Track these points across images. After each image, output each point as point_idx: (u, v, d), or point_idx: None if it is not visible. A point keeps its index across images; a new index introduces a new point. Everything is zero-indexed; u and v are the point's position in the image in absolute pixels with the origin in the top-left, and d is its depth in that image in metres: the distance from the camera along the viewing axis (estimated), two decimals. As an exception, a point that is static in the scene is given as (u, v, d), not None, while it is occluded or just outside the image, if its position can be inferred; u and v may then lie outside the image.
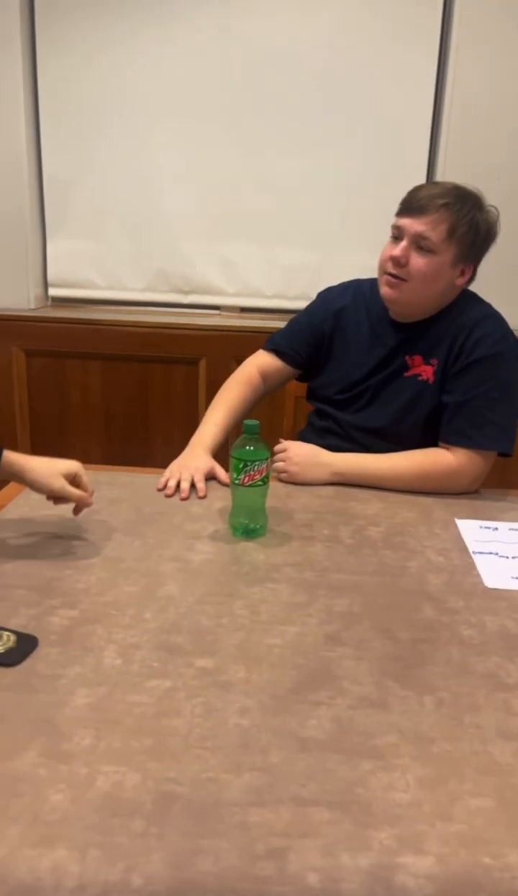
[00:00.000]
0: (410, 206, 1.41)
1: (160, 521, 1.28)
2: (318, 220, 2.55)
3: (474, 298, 1.53)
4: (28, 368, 2.61)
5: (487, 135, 2.39)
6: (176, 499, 1.38)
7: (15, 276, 2.61)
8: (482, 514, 1.35)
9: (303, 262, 2.59)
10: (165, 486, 1.41)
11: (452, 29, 2.33)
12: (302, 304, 2.61)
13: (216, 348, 2.55)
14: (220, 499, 1.37)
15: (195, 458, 1.48)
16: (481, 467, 1.44)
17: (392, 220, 1.45)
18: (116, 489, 1.41)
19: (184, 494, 1.38)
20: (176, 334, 2.56)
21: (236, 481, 1.19)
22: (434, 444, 1.48)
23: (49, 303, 2.74)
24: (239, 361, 2.65)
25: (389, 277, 1.44)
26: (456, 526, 1.29)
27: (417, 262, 1.40)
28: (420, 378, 1.49)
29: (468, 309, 1.49)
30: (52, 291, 2.71)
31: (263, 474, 1.20)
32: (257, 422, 1.19)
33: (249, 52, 2.42)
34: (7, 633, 0.91)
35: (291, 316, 2.61)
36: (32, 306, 2.64)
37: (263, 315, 2.65)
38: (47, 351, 2.60)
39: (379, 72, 2.41)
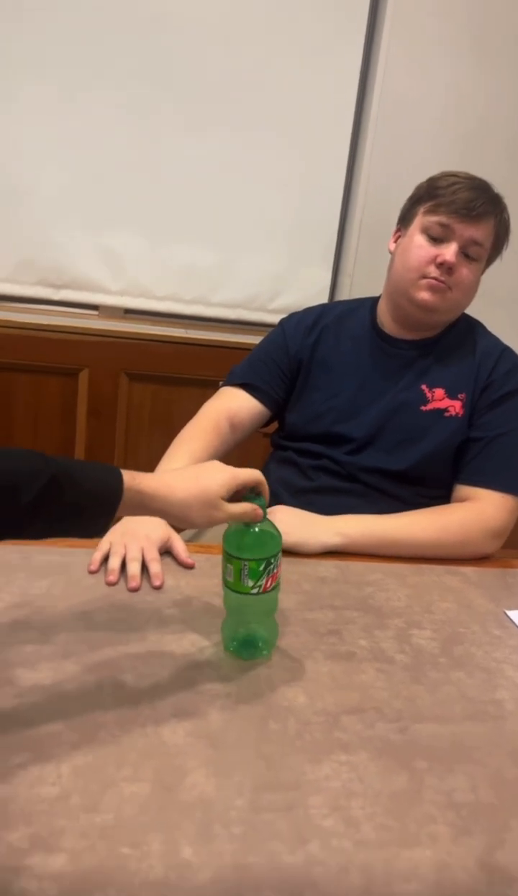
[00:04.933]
0: (469, 209, 1.15)
1: (122, 630, 0.86)
2: (221, 217, 2.18)
3: (476, 322, 1.32)
4: None
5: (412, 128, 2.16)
6: (121, 589, 0.96)
7: None
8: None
9: (200, 262, 2.21)
10: (102, 567, 1.00)
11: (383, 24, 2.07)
12: (200, 310, 2.25)
13: (100, 357, 2.10)
14: (192, 587, 0.98)
15: (145, 523, 1.06)
16: (511, 516, 1.18)
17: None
18: (25, 574, 0.97)
19: (133, 583, 0.96)
20: (48, 338, 2.08)
21: (247, 589, 0.80)
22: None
23: None
24: (129, 375, 2.23)
25: (435, 282, 1.18)
26: (510, 620, 1.00)
27: (464, 270, 1.18)
28: (447, 414, 1.22)
29: (481, 336, 1.30)
30: None
31: (280, 572, 0.83)
32: (264, 498, 0.82)
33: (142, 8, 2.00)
34: None
35: (184, 322, 2.25)
36: None
37: (153, 319, 2.24)
38: None
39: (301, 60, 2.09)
